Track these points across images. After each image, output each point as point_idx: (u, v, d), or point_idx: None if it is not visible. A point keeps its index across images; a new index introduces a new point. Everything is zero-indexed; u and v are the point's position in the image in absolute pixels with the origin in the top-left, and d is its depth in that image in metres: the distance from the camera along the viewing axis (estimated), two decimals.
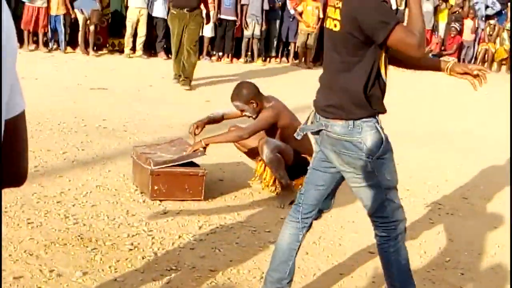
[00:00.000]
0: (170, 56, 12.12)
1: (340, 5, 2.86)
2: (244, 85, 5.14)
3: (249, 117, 5.16)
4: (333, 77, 3.00)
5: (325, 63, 3.10)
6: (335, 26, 2.90)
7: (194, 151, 4.90)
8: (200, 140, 4.92)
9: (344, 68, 2.92)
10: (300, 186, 5.12)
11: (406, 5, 13.72)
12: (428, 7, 14.17)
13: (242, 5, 12.44)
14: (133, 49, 12.02)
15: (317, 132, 3.07)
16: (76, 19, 11.74)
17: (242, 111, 5.11)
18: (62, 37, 11.72)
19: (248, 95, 5.01)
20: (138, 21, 11.85)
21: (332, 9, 2.93)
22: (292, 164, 5.06)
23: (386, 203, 3.03)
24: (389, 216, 3.06)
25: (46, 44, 11.68)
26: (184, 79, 9.51)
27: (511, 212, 5.05)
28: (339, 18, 2.87)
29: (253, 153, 5.29)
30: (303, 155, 5.07)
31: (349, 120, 2.92)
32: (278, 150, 4.96)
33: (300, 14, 12.84)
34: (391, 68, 3.05)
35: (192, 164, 5.00)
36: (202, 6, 9.54)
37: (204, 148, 4.90)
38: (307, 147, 5.17)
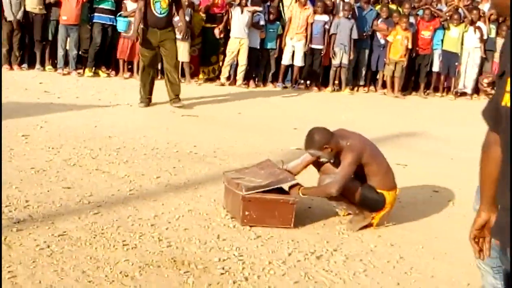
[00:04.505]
0: (256, 83, 12.32)
1: None
2: (315, 131, 4.96)
3: (326, 162, 5.05)
4: None
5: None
6: None
7: (284, 177, 4.96)
8: (299, 188, 4.98)
9: None
10: (379, 220, 5.07)
11: (497, 34, 13.45)
12: None
13: (330, 35, 12.42)
14: (228, 77, 12.18)
15: None
16: None
17: (318, 157, 5.02)
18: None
19: (321, 141, 4.86)
20: (238, 51, 12.01)
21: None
22: (365, 198, 4.96)
23: None
24: None
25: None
26: (174, 98, 9.51)
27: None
28: None
29: None
30: (379, 191, 4.97)
31: None
32: None
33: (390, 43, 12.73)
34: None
35: (282, 191, 5.04)
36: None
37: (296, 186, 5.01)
38: (389, 183, 5.06)
